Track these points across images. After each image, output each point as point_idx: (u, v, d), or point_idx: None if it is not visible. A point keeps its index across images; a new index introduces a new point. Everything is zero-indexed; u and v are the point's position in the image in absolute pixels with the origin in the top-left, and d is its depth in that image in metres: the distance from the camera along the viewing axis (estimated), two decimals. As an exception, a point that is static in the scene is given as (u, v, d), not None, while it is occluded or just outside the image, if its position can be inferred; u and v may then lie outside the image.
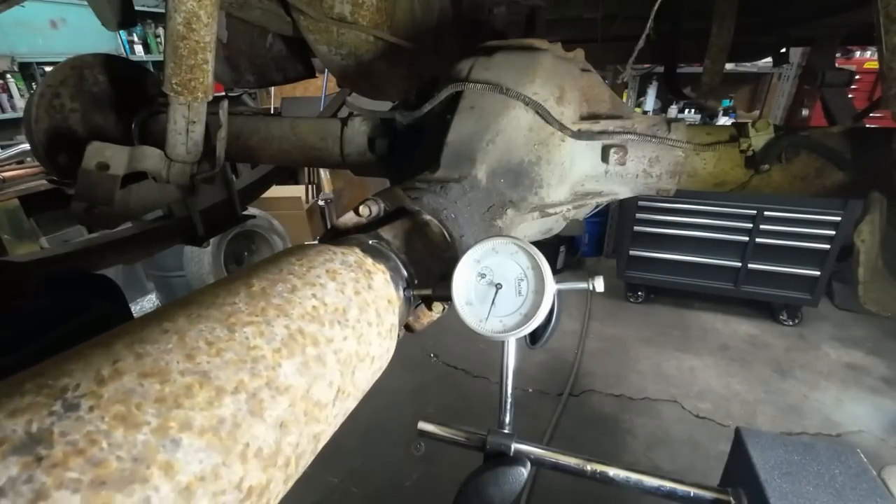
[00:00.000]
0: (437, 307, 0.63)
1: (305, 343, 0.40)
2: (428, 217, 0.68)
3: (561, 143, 0.93)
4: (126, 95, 1.34)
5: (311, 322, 0.41)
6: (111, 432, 0.26)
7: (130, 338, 0.33)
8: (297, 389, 0.37)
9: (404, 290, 0.56)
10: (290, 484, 0.37)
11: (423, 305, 0.63)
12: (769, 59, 2.14)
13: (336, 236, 0.62)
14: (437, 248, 0.66)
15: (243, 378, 0.34)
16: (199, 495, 0.28)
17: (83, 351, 0.31)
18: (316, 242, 0.54)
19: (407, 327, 0.62)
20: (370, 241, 0.57)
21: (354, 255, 0.52)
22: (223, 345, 0.35)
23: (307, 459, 0.39)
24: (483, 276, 0.56)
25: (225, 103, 1.12)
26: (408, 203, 0.67)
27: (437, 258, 0.65)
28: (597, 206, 1.48)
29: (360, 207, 0.62)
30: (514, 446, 0.62)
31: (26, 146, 3.42)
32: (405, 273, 0.58)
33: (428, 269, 0.62)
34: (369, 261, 0.53)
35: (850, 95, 1.91)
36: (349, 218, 0.64)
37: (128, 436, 0.27)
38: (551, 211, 0.97)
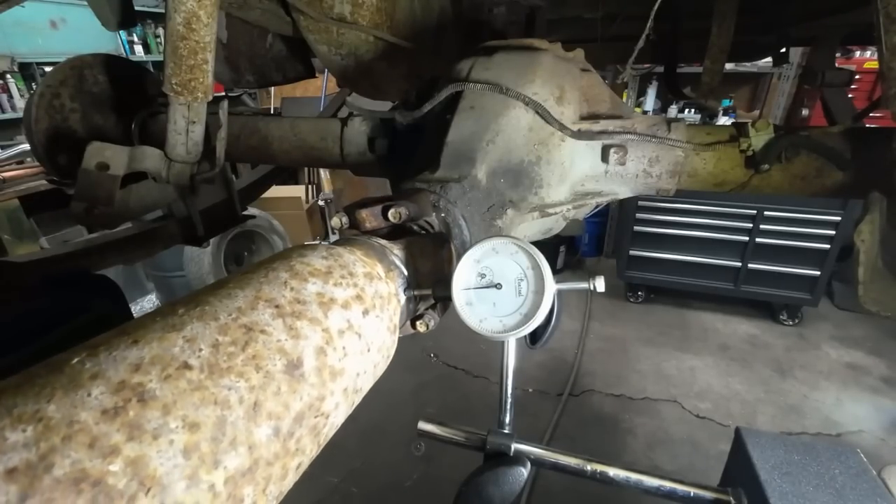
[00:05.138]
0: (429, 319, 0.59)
1: (300, 343, 0.40)
2: (427, 216, 0.68)
3: (561, 143, 0.93)
4: (126, 95, 1.34)
5: (308, 322, 0.41)
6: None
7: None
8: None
9: (404, 290, 0.56)
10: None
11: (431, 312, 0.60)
12: (769, 59, 2.13)
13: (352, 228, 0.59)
14: (437, 248, 0.66)
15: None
16: None
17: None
18: (316, 242, 0.54)
19: (412, 325, 0.62)
20: (369, 240, 0.57)
21: (354, 254, 0.52)
22: (231, 349, 0.35)
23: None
24: (483, 276, 0.56)
25: (225, 103, 1.12)
26: (430, 210, 0.66)
27: (436, 257, 0.65)
28: (597, 206, 1.48)
29: (391, 212, 0.58)
30: (514, 446, 0.62)
31: (26, 146, 3.42)
32: (405, 272, 0.58)
33: (428, 269, 0.62)
34: (369, 260, 0.52)
35: (850, 95, 1.91)
36: (377, 221, 0.60)
37: None
38: (551, 211, 0.96)
